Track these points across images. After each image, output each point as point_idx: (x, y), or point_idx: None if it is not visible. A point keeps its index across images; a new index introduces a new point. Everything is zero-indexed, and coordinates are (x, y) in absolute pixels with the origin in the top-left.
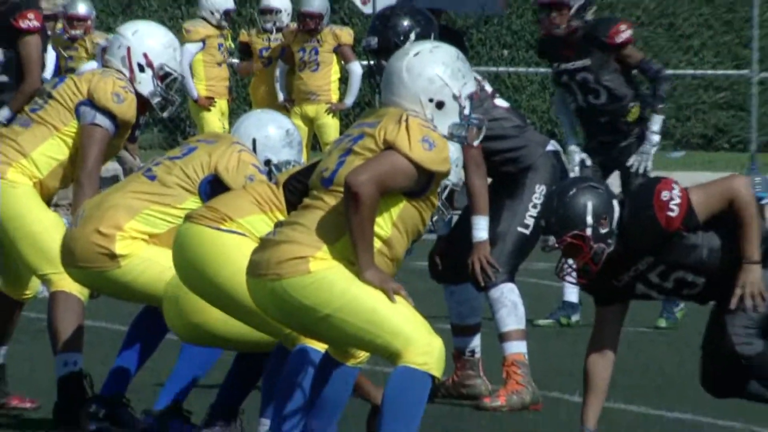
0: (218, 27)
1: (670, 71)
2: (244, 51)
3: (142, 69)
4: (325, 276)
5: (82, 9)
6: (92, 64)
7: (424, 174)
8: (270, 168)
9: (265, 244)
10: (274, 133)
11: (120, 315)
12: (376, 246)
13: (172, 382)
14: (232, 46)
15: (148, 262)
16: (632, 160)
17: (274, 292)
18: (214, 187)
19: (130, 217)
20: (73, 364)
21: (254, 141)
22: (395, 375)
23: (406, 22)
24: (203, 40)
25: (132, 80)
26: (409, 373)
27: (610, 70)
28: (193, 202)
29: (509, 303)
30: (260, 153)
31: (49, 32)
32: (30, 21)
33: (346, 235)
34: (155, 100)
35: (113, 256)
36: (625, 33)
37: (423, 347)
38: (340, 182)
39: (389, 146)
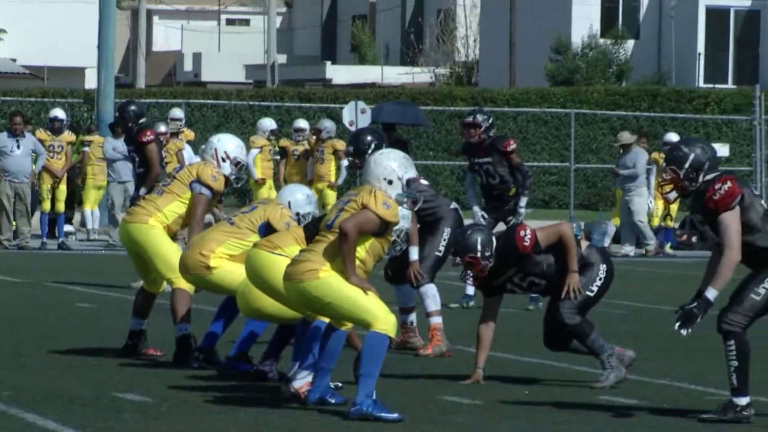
0: (269, 140)
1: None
2: (282, 152)
3: (224, 160)
4: (328, 280)
5: (162, 128)
6: (197, 158)
7: (384, 223)
8: (299, 218)
9: (294, 261)
10: (301, 197)
11: (211, 301)
12: (357, 263)
13: (241, 340)
14: (276, 149)
15: (228, 271)
16: (512, 220)
17: (299, 290)
18: (267, 228)
19: (219, 245)
20: (185, 329)
21: (289, 202)
22: (368, 336)
23: (369, 138)
24: (261, 147)
25: (218, 167)
26: (376, 335)
27: (502, 165)
28: (254, 237)
29: (431, 295)
30: (293, 209)
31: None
32: (148, 136)
33: (340, 257)
34: (232, 177)
35: (209, 267)
36: (513, 145)
37: (384, 320)
38: (336, 226)
39: (365, 207)
